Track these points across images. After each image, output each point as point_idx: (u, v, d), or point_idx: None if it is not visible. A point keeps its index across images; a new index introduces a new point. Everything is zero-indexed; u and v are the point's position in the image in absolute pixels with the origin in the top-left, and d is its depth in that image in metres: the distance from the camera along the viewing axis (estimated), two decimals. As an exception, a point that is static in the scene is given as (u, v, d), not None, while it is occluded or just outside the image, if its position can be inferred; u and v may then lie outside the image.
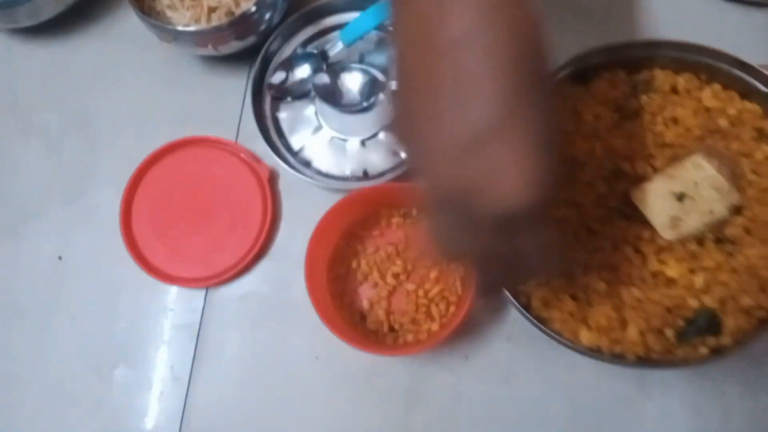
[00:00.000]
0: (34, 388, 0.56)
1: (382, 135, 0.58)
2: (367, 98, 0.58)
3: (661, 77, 0.49)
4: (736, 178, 0.44)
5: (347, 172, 0.57)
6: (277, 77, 0.59)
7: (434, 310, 0.52)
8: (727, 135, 0.47)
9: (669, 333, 0.44)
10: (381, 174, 0.57)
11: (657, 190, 0.43)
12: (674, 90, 0.49)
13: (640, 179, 0.46)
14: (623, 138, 0.48)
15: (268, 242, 0.58)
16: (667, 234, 0.44)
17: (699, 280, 0.43)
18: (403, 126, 0.27)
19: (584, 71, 0.49)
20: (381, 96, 0.58)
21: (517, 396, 0.52)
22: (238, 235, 0.57)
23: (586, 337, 0.45)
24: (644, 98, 0.49)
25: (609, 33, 0.59)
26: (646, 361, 0.44)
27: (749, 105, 0.48)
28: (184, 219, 0.58)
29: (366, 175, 0.57)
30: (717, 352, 0.43)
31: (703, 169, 0.42)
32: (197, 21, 0.58)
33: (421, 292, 0.53)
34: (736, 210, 0.44)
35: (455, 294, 0.52)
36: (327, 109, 0.58)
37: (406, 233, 0.55)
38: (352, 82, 0.58)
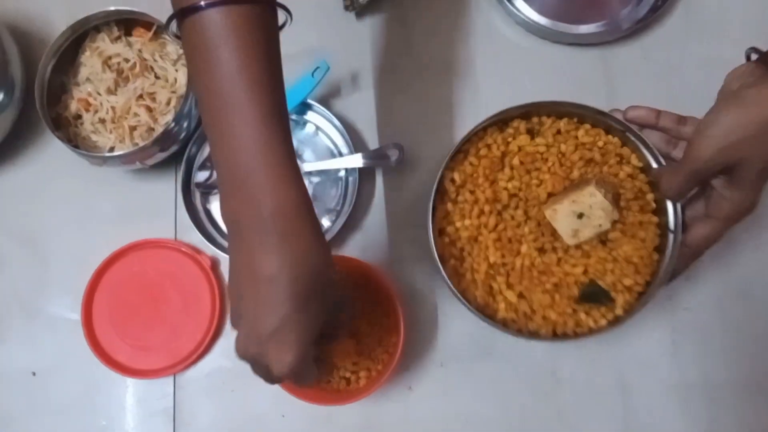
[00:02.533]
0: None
1: None
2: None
3: (548, 123, 0.62)
4: (616, 199, 0.59)
5: None
6: (202, 176, 0.67)
7: (377, 353, 0.61)
8: (599, 162, 0.61)
9: (570, 295, 0.59)
10: None
11: (564, 211, 0.59)
12: (558, 131, 0.62)
13: (544, 201, 0.60)
14: (530, 170, 0.61)
15: (221, 323, 0.65)
16: (570, 241, 0.59)
17: (591, 268, 0.59)
18: (232, 316, 0.44)
19: (502, 122, 0.62)
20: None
21: (456, 410, 0.63)
22: (193, 322, 0.65)
23: (502, 311, 0.58)
24: (539, 139, 0.62)
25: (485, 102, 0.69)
26: (559, 336, 0.58)
27: (612, 138, 0.62)
28: (142, 316, 0.65)
29: None
30: (616, 321, 0.58)
31: (595, 196, 0.57)
32: (121, 141, 0.65)
33: (363, 344, 0.61)
34: (615, 222, 0.59)
35: (389, 336, 0.62)
36: None
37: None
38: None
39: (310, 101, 0.66)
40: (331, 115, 0.66)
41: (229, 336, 0.65)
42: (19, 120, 0.68)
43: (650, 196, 0.60)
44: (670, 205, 0.58)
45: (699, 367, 0.63)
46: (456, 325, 0.64)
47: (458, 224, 0.60)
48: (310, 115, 0.68)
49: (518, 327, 0.58)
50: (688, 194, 0.56)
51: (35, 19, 0.74)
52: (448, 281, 0.57)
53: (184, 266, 0.66)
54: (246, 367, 0.62)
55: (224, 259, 0.66)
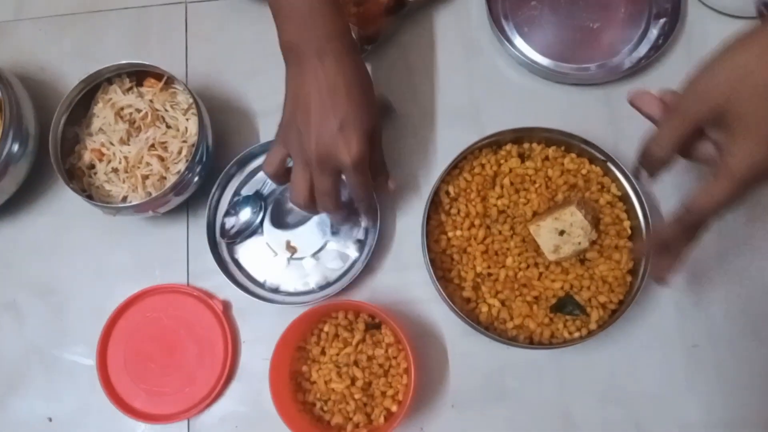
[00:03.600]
0: None
1: (329, 244, 0.67)
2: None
3: (538, 149, 0.67)
4: (596, 221, 0.64)
5: (312, 285, 0.67)
6: (229, 222, 0.68)
7: (388, 396, 0.62)
8: (581, 188, 0.66)
9: (545, 306, 0.63)
10: (340, 277, 0.66)
11: (547, 227, 0.63)
12: (546, 158, 0.67)
13: (530, 219, 0.65)
14: (518, 190, 0.66)
15: (233, 367, 0.66)
16: (551, 256, 0.63)
17: (569, 284, 0.63)
18: (284, 136, 0.57)
19: (497, 145, 0.68)
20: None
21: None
22: (206, 367, 0.66)
23: (484, 315, 0.63)
24: (528, 163, 0.66)
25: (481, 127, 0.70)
26: (537, 344, 0.62)
27: (594, 167, 0.67)
28: (156, 361, 0.66)
29: (328, 283, 0.66)
30: (588, 334, 0.62)
31: (576, 215, 0.62)
32: (134, 190, 0.66)
33: (374, 386, 0.62)
34: (593, 242, 0.63)
35: (400, 376, 0.62)
36: (276, 236, 0.68)
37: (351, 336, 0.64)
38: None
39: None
40: None
41: (241, 379, 0.66)
42: (33, 171, 0.70)
43: (626, 223, 0.65)
44: (644, 233, 0.63)
45: (715, 405, 0.63)
46: (467, 365, 0.65)
47: (450, 234, 0.65)
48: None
49: (498, 333, 0.62)
50: (674, 147, 0.47)
51: (48, 70, 0.76)
52: (437, 284, 0.62)
53: (197, 311, 0.67)
54: (258, 411, 0.64)
55: (237, 301, 0.67)
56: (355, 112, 0.53)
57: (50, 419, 0.66)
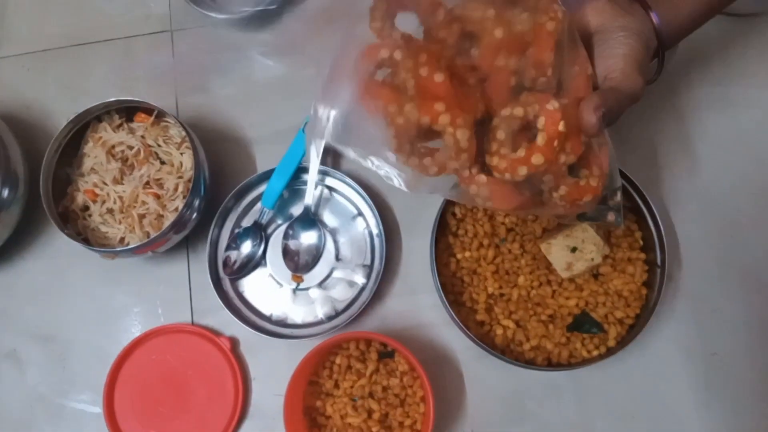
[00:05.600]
0: None
1: (335, 272, 0.66)
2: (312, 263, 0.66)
3: None
4: (607, 235, 0.63)
5: (320, 316, 0.65)
6: (229, 259, 0.66)
7: (406, 426, 0.60)
8: None
9: (564, 325, 0.61)
10: (349, 306, 0.65)
11: (558, 245, 0.61)
12: None
13: (540, 236, 0.64)
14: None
15: (245, 405, 0.64)
16: (564, 274, 0.61)
17: (583, 301, 0.62)
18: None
19: None
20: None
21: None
22: (217, 407, 0.64)
23: (500, 337, 0.61)
24: None
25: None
26: (555, 365, 0.61)
27: None
28: (165, 404, 0.64)
29: (337, 313, 0.65)
30: (608, 352, 0.60)
31: (588, 231, 0.60)
32: (131, 230, 0.64)
33: (391, 417, 0.61)
34: (605, 256, 0.61)
35: (417, 404, 0.61)
36: (280, 268, 0.66)
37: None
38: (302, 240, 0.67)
39: (323, 167, 0.66)
40: (342, 175, 0.67)
41: (254, 417, 0.64)
42: (25, 215, 0.68)
43: (638, 234, 0.63)
44: (656, 243, 0.61)
45: (736, 413, 0.62)
46: (484, 389, 0.63)
47: (459, 256, 0.63)
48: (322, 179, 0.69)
49: (515, 356, 0.60)
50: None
51: (35, 108, 0.74)
52: (449, 309, 0.60)
53: (203, 350, 0.65)
54: None
55: (244, 337, 0.65)
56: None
57: (59, 470, 0.64)
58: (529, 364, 0.60)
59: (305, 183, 0.67)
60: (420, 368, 0.58)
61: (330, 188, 0.69)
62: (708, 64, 0.70)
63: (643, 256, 0.63)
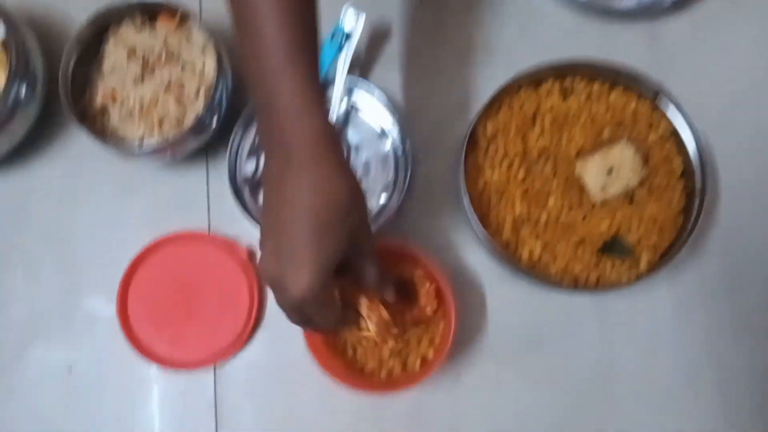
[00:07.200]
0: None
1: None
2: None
3: (581, 86, 0.63)
4: (644, 159, 0.61)
5: None
6: (249, 168, 0.64)
7: (424, 342, 0.60)
8: (629, 125, 0.62)
9: (594, 250, 0.60)
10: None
11: (595, 164, 0.60)
12: (589, 96, 0.63)
13: (574, 158, 0.61)
14: (561, 128, 0.62)
15: (260, 314, 0.64)
16: (598, 195, 0.60)
17: (615, 225, 0.60)
18: (260, 239, 0.44)
19: (536, 82, 0.64)
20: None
21: (505, 400, 0.61)
22: (232, 313, 0.63)
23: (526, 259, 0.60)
24: (571, 100, 0.62)
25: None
26: (579, 287, 0.59)
27: (643, 103, 0.63)
28: (179, 309, 0.64)
29: None
30: (638, 277, 0.59)
31: (626, 152, 0.59)
32: (150, 133, 0.63)
33: (410, 332, 0.60)
34: (642, 182, 0.60)
35: (437, 323, 0.60)
36: None
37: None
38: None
39: (352, 75, 0.64)
40: (373, 87, 0.64)
41: (269, 328, 0.64)
42: (43, 115, 0.66)
43: (677, 162, 0.61)
44: (697, 170, 0.60)
45: (760, 351, 0.61)
46: (506, 311, 0.62)
47: (488, 175, 0.62)
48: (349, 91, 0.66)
49: (540, 278, 0.59)
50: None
51: (54, 10, 0.72)
52: (478, 225, 0.58)
53: (219, 259, 0.64)
54: (286, 359, 0.62)
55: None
56: (314, 239, 0.40)
57: (70, 369, 0.64)
58: (556, 284, 0.59)
59: (330, 98, 0.65)
60: (445, 282, 0.57)
61: (354, 108, 0.67)
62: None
63: (681, 182, 0.61)
